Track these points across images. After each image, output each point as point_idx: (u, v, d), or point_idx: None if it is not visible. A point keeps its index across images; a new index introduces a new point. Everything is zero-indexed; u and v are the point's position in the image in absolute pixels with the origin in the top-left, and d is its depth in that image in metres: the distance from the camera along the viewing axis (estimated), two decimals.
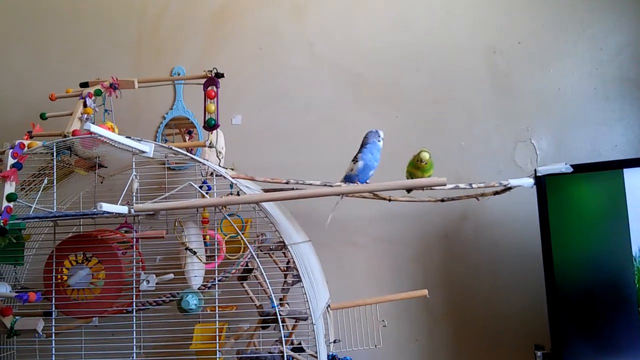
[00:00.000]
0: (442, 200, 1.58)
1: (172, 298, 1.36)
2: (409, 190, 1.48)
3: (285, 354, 1.27)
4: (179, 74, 1.91)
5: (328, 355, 1.49)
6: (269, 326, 1.40)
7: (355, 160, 1.42)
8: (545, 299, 1.41)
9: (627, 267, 1.33)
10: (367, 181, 1.43)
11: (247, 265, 1.42)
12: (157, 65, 1.94)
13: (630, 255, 1.33)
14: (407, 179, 1.45)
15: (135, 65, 1.95)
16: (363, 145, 1.45)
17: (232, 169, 1.61)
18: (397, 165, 1.48)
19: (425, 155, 1.41)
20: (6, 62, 2.00)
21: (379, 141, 1.44)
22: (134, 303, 1.33)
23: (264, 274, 1.31)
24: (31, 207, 1.31)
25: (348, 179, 1.43)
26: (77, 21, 1.99)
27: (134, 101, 1.88)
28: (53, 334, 1.34)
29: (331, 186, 1.38)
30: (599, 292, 1.36)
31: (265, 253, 1.47)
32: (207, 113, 1.53)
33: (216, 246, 1.39)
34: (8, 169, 1.30)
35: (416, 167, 1.44)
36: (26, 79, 1.98)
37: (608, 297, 1.35)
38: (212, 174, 1.40)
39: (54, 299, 1.34)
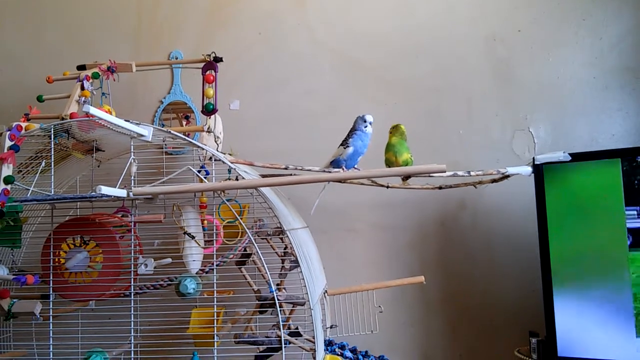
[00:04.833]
0: (440, 188, 1.58)
1: (169, 282, 1.36)
2: (405, 178, 1.48)
3: (282, 339, 1.28)
4: (176, 58, 1.89)
5: (325, 341, 1.50)
6: (266, 311, 1.41)
7: (346, 145, 1.43)
8: (540, 287, 1.42)
9: (621, 255, 1.34)
10: (356, 166, 1.45)
11: (245, 250, 1.43)
12: (155, 48, 1.92)
13: (625, 244, 1.33)
14: (387, 167, 1.46)
15: (133, 48, 1.93)
16: (353, 130, 1.46)
17: (230, 154, 1.61)
18: None
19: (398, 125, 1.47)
20: (3, 44, 1.98)
21: (368, 127, 1.45)
22: (132, 287, 1.33)
23: (262, 258, 1.32)
24: (28, 189, 1.30)
25: (335, 163, 1.45)
26: (75, 3, 1.97)
27: (132, 85, 1.87)
28: (51, 317, 1.34)
29: (329, 172, 1.38)
30: (593, 279, 1.37)
31: (262, 238, 1.47)
32: (205, 97, 1.52)
33: (214, 231, 1.39)
34: (5, 151, 1.30)
35: (387, 149, 1.46)
36: (23, 62, 1.96)
37: (602, 285, 1.36)
38: (210, 158, 1.39)
39: (51, 282, 1.34)
